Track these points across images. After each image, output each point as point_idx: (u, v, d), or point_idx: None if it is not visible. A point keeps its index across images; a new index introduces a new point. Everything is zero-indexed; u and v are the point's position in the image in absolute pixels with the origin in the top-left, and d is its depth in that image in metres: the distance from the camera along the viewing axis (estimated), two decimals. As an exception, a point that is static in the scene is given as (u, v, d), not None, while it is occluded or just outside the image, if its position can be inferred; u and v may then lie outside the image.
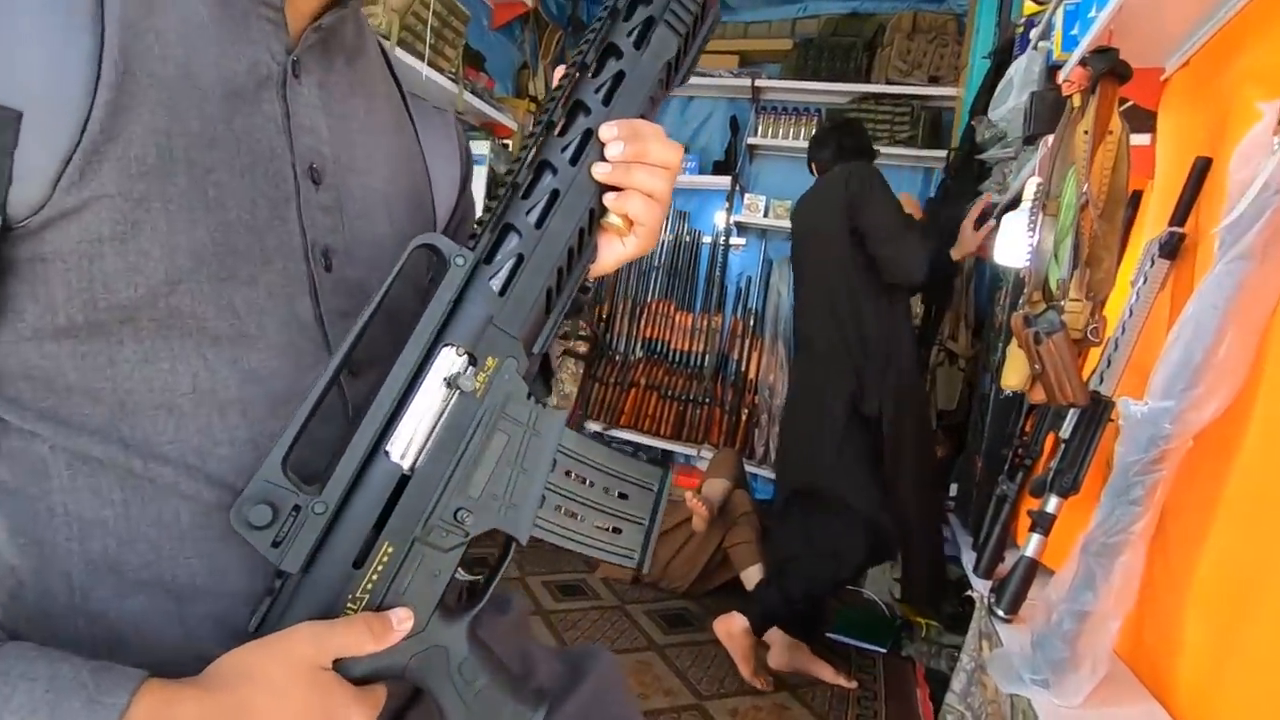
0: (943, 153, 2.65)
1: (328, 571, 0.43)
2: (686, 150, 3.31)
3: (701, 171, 3.20)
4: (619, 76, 0.47)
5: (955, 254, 1.89)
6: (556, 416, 0.48)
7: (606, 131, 0.47)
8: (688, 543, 2.38)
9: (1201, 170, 1.12)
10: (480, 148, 2.72)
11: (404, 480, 0.44)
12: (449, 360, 0.44)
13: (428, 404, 0.44)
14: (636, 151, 0.47)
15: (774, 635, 1.95)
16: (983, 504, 1.76)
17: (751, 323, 3.14)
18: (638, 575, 2.41)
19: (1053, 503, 1.24)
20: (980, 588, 1.45)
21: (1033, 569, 1.25)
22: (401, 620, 0.43)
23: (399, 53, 2.08)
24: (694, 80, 3.22)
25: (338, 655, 0.41)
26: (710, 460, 2.62)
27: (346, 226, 0.51)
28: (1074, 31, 1.26)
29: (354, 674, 0.42)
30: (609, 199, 0.48)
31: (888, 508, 1.87)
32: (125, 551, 0.42)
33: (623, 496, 0.52)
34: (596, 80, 0.47)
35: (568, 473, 0.50)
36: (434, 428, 0.44)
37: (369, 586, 0.43)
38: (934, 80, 2.80)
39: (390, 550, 0.44)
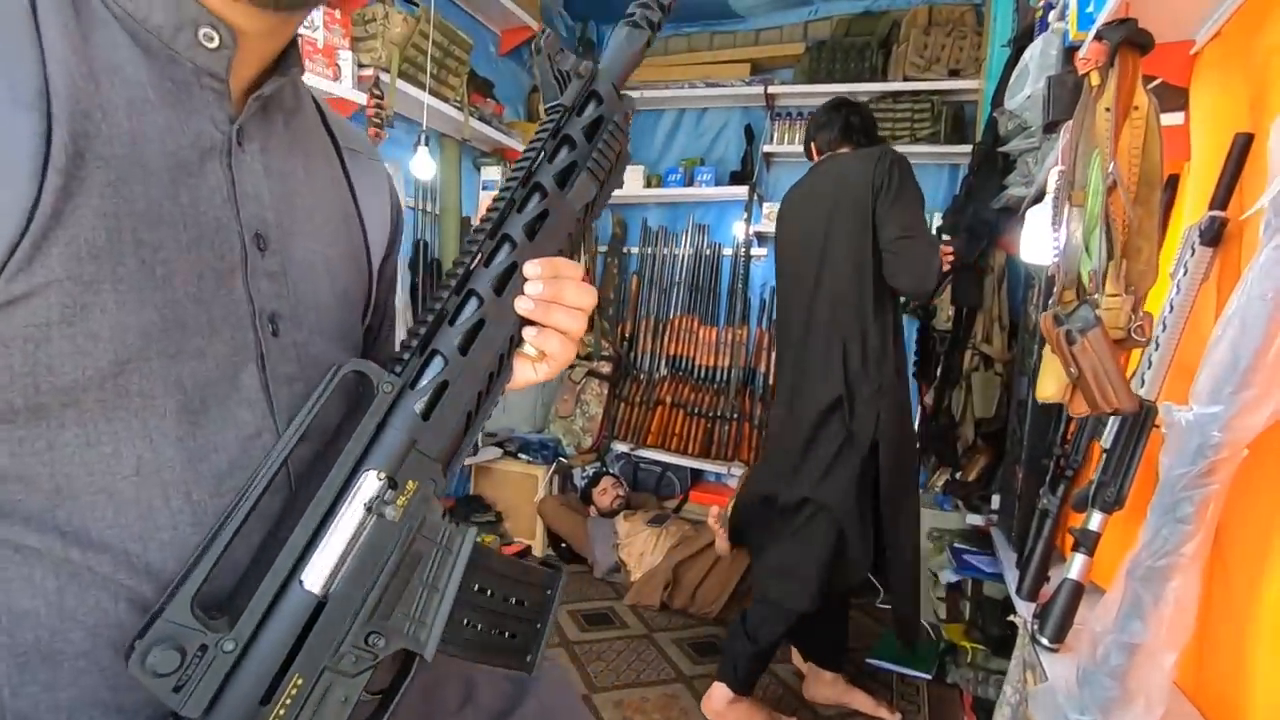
0: (967, 148, 2.54)
1: (232, 712, 0.41)
2: (702, 162, 3.26)
3: (718, 183, 3.14)
4: (543, 215, 0.50)
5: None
6: (467, 534, 0.49)
7: (530, 269, 0.49)
8: (715, 565, 2.30)
9: (1242, 148, 1.02)
10: (491, 173, 2.73)
11: (319, 607, 0.43)
12: (371, 486, 0.45)
13: (347, 530, 0.44)
14: (555, 292, 0.50)
15: (809, 667, 1.85)
16: (1025, 517, 1.65)
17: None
18: (665, 603, 2.33)
19: (1096, 519, 1.14)
20: (1024, 611, 1.34)
21: (1077, 593, 1.14)
22: None
23: (400, 84, 2.08)
24: (707, 91, 3.18)
25: None
26: (739, 478, 2.54)
27: (291, 291, 0.50)
28: (1090, 9, 1.17)
29: None
30: (528, 333, 0.51)
31: (865, 531, 1.69)
32: (58, 642, 0.40)
33: (519, 603, 0.53)
34: (523, 216, 0.50)
35: (477, 587, 0.50)
36: (349, 553, 0.44)
37: (278, 718, 0.42)
38: (954, 74, 2.70)
39: (300, 682, 0.42)
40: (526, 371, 0.54)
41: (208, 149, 0.46)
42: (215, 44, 0.45)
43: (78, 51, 0.40)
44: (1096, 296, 0.95)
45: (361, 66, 2.00)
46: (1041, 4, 1.63)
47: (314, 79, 1.88)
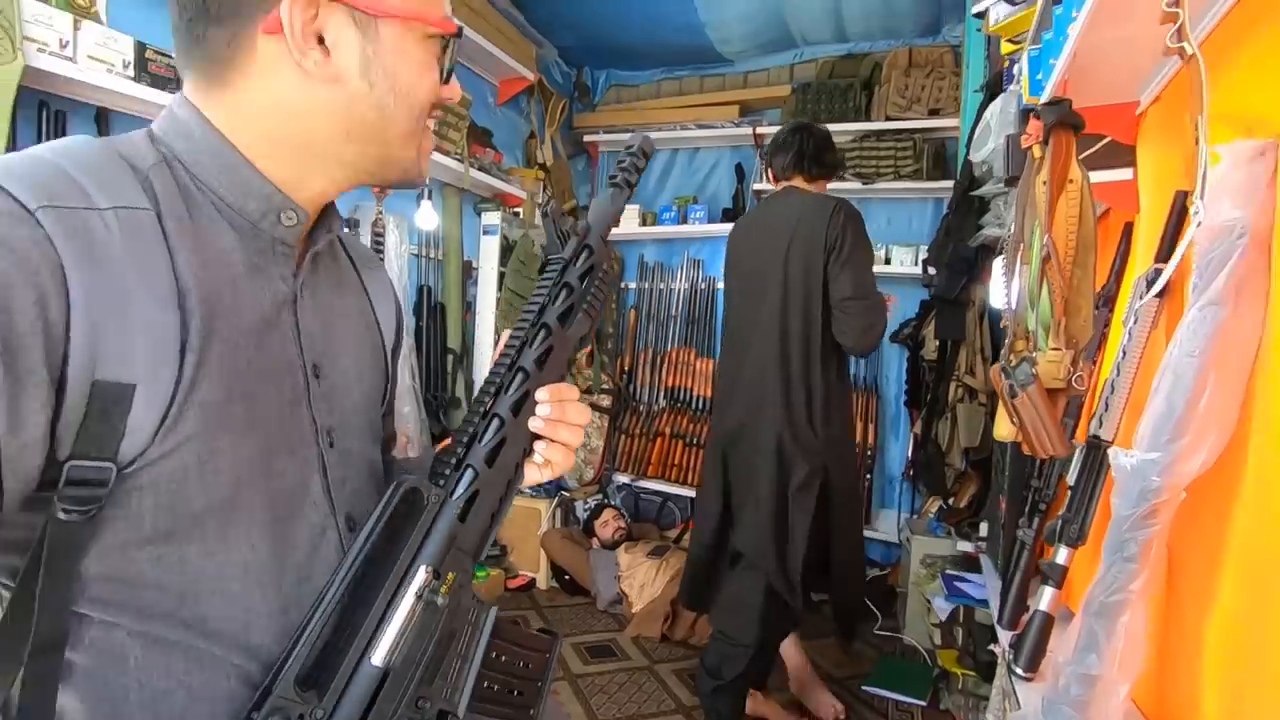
0: (949, 183, 2.64)
1: None
2: (695, 200, 3.37)
3: (711, 220, 3.24)
4: (549, 350, 0.61)
5: None
6: (490, 613, 0.60)
7: (541, 395, 0.60)
8: (715, 597, 2.35)
9: (1181, 204, 1.10)
10: (492, 218, 2.83)
11: (384, 677, 0.53)
12: (421, 578, 0.54)
13: (403, 614, 0.53)
14: (560, 413, 0.60)
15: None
16: (1008, 547, 1.70)
17: (772, 365, 3.12)
18: (665, 634, 2.38)
19: (1063, 553, 1.20)
20: (1004, 640, 1.40)
21: (1048, 624, 1.20)
22: None
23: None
24: (698, 132, 3.30)
25: None
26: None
27: (337, 406, 0.60)
28: (1039, 77, 1.26)
29: None
30: (538, 445, 0.62)
31: (792, 583, 1.72)
32: (189, 715, 0.49)
33: (525, 665, 0.63)
34: (533, 350, 0.61)
35: (494, 655, 0.61)
36: (404, 633, 0.53)
37: None
38: (934, 113, 2.80)
39: None
40: (534, 474, 0.64)
41: (281, 302, 0.56)
42: (293, 222, 0.56)
43: (194, 248, 0.49)
44: (1035, 354, 1.03)
45: (366, 127, 2.11)
46: (1007, 58, 1.73)
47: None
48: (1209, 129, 1.00)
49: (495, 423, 0.59)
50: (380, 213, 2.19)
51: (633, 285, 3.55)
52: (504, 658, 0.61)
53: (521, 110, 3.20)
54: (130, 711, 0.47)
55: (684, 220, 3.29)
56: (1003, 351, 1.15)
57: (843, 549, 1.79)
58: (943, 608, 2.07)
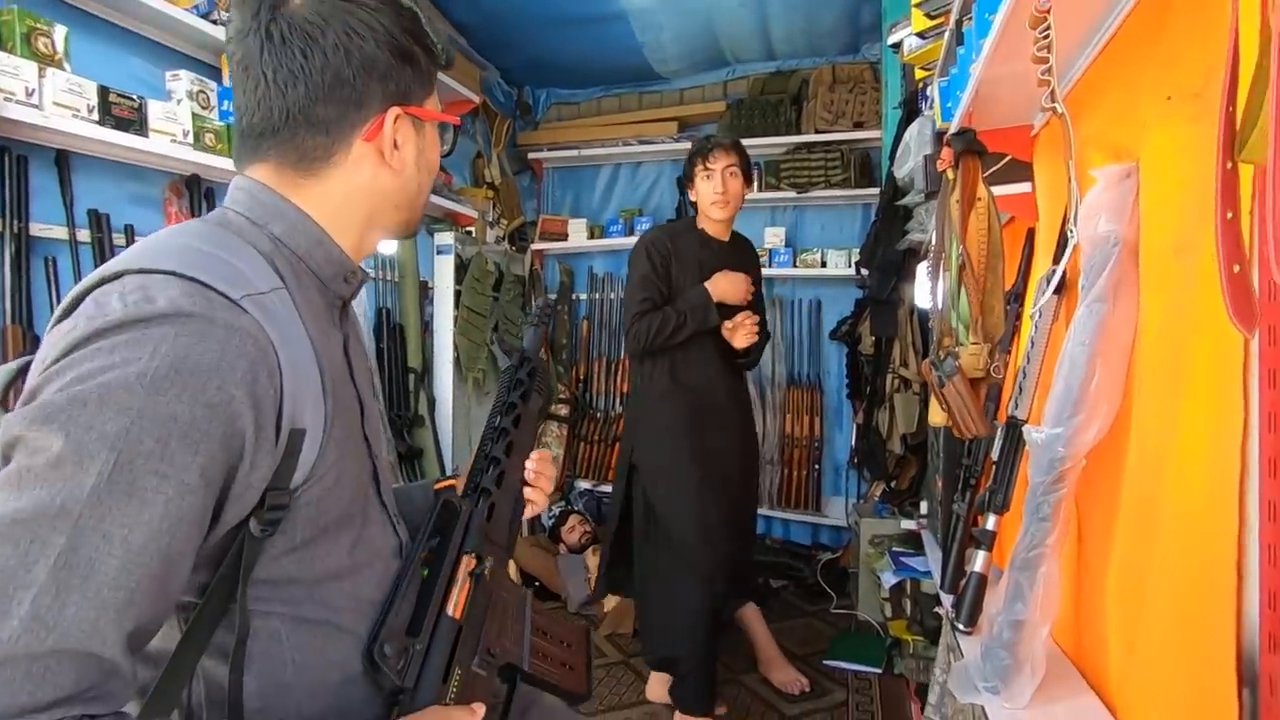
0: (875, 190, 2.86)
1: (426, 684, 0.64)
2: (641, 212, 3.50)
3: (656, 230, 3.38)
4: (519, 417, 0.84)
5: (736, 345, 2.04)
6: (523, 593, 0.77)
7: (532, 456, 0.85)
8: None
9: (1063, 226, 1.29)
10: (445, 238, 2.89)
11: (460, 629, 0.67)
12: (467, 563, 0.71)
13: (461, 582, 0.69)
14: (542, 466, 0.85)
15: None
16: (946, 521, 1.89)
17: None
18: (638, 629, 2.49)
19: (991, 520, 1.37)
20: (946, 602, 1.57)
21: (982, 583, 1.37)
22: (478, 709, 0.64)
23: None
24: (639, 148, 3.44)
25: None
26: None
27: (372, 430, 0.71)
28: (949, 105, 1.44)
29: None
30: (525, 490, 0.84)
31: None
32: (328, 674, 0.61)
33: (568, 645, 0.80)
34: (509, 420, 0.83)
35: (537, 628, 0.77)
36: (468, 599, 0.69)
37: (454, 694, 0.65)
38: (858, 125, 3.02)
39: (459, 673, 0.66)
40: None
41: (342, 346, 0.68)
42: (355, 281, 0.69)
43: (311, 316, 0.61)
44: (957, 349, 1.20)
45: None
46: (920, 81, 1.93)
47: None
48: (1086, 154, 1.19)
49: (496, 464, 0.79)
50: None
51: (584, 297, 3.66)
52: (548, 634, 0.75)
53: (468, 131, 3.27)
54: (289, 681, 0.59)
55: (630, 232, 3.42)
56: (931, 348, 1.32)
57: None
58: (890, 581, 2.25)
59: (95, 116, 1.47)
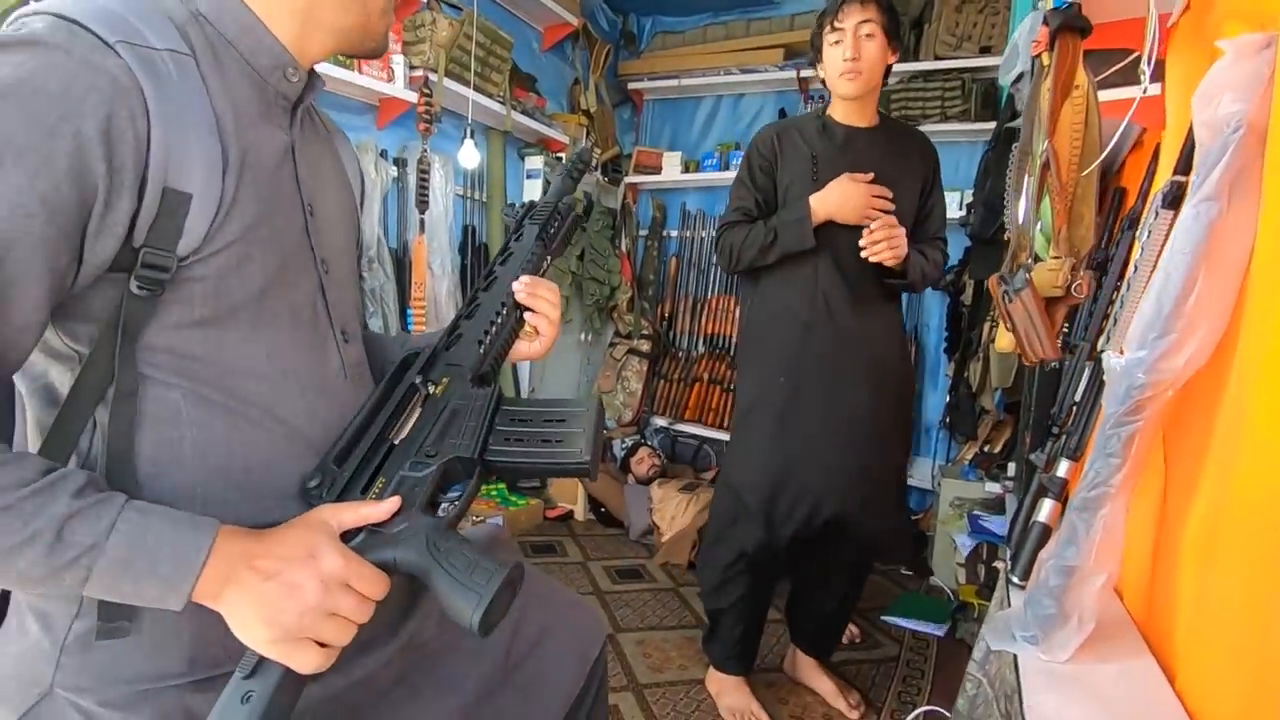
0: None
1: (347, 496, 0.64)
2: (738, 147, 3.36)
3: (753, 166, 3.24)
4: (509, 255, 0.83)
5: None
6: (494, 388, 0.72)
7: (517, 280, 0.79)
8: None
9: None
10: (535, 162, 2.91)
11: (392, 447, 0.67)
12: (411, 381, 0.71)
13: (394, 404, 0.69)
14: (533, 285, 0.79)
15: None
16: (1027, 475, 1.72)
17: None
18: (693, 561, 2.48)
19: (1063, 466, 1.23)
20: (1008, 557, 1.44)
21: (1044, 534, 1.23)
22: (388, 503, 0.61)
23: (447, 83, 2.28)
24: (740, 77, 3.28)
25: (342, 523, 0.60)
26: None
27: (328, 242, 0.71)
28: (1064, -12, 1.24)
29: (367, 559, 0.59)
30: (526, 315, 0.80)
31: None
32: (231, 460, 0.61)
33: (560, 422, 0.71)
34: (500, 258, 0.83)
35: (511, 419, 0.70)
36: (413, 420, 0.69)
37: (372, 497, 0.64)
38: (985, 51, 2.71)
39: (382, 480, 0.65)
40: (527, 348, 0.82)
41: (284, 151, 0.66)
42: (295, 79, 0.66)
43: (224, 92, 0.60)
44: (1029, 261, 1.04)
45: (412, 68, 2.21)
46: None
47: (370, 80, 2.10)
48: (1224, 28, 0.98)
49: (470, 298, 0.79)
50: (425, 151, 2.30)
51: (674, 233, 3.59)
52: (527, 420, 0.71)
53: (566, 57, 3.24)
54: (184, 453, 0.60)
55: (726, 167, 3.29)
56: (1004, 263, 1.17)
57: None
58: (965, 544, 2.10)
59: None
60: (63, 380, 0.58)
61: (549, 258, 0.86)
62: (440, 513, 0.64)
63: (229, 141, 0.59)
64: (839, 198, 1.54)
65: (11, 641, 0.60)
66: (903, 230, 1.54)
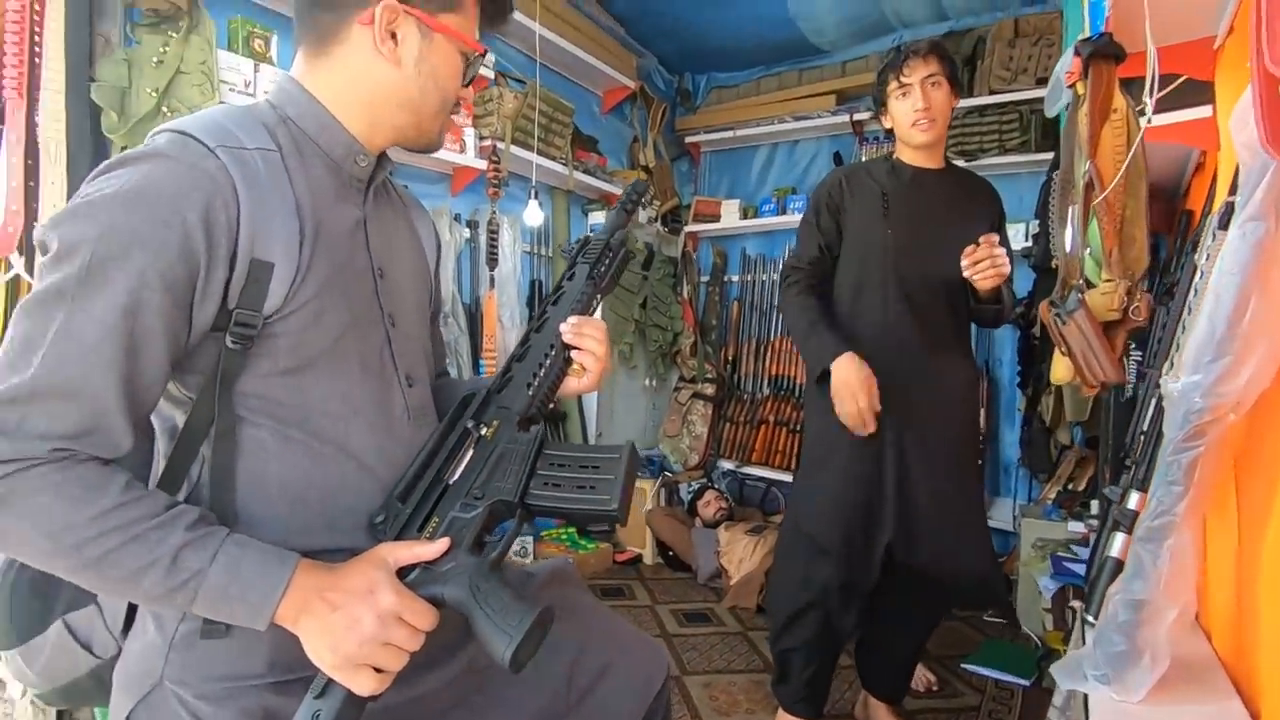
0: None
1: (405, 537, 0.72)
2: (795, 191, 3.42)
3: (810, 209, 3.28)
4: (561, 294, 0.88)
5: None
6: (535, 430, 0.79)
7: (565, 320, 0.84)
8: (810, 571, 2.38)
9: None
10: (597, 217, 3.06)
11: (445, 486, 0.75)
12: (473, 432, 0.78)
13: (467, 455, 0.77)
14: (579, 325, 0.84)
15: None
16: (1104, 510, 1.63)
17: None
18: (761, 605, 2.45)
19: (1133, 498, 1.19)
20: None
21: (1117, 569, 1.18)
22: (440, 543, 0.69)
23: (513, 149, 2.46)
24: (794, 124, 3.36)
25: (399, 560, 0.68)
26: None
27: (397, 300, 0.81)
28: (1097, 17, 1.26)
29: (419, 593, 0.66)
30: (573, 354, 0.84)
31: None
32: (308, 491, 0.71)
33: (595, 468, 0.76)
34: (551, 299, 0.88)
35: (551, 463, 0.76)
36: (465, 462, 0.76)
37: (426, 537, 0.72)
38: (1041, 82, 2.68)
39: (435, 520, 0.72)
40: (572, 383, 0.86)
41: (356, 222, 0.77)
42: (365, 163, 0.78)
43: (304, 180, 0.72)
44: (1079, 282, 1.04)
45: (481, 138, 2.40)
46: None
47: (443, 152, 2.29)
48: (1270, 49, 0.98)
49: (523, 339, 0.85)
50: (494, 213, 2.47)
51: (735, 278, 3.65)
52: (565, 465, 0.76)
53: (625, 117, 3.42)
54: (270, 483, 0.70)
55: (783, 211, 3.35)
56: (1054, 290, 1.16)
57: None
58: (1049, 587, 1.99)
59: (294, 103, 1.80)
60: (179, 421, 0.70)
61: (599, 296, 0.90)
62: (485, 552, 0.71)
63: (306, 218, 0.70)
64: (844, 373, 1.54)
65: (136, 639, 0.72)
66: (1004, 250, 1.49)
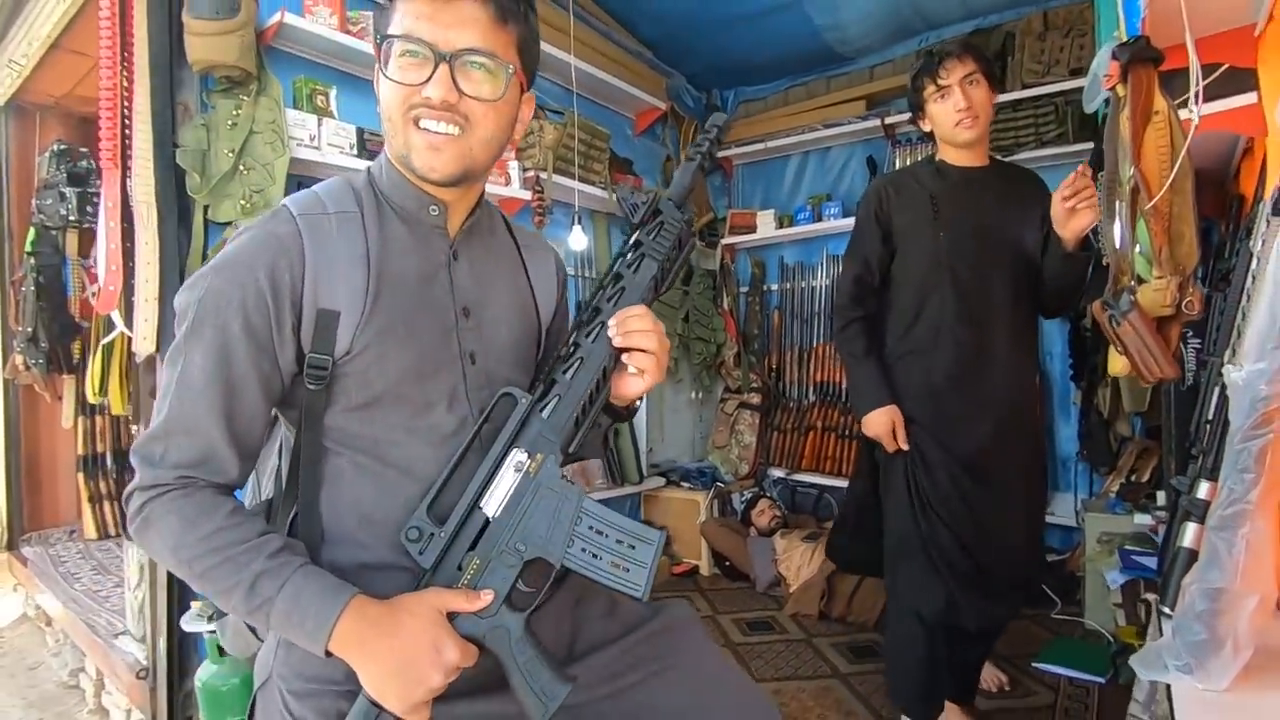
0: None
1: (445, 568, 0.75)
2: (829, 198, 3.44)
3: (846, 215, 3.29)
4: (621, 290, 0.82)
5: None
6: (576, 490, 0.78)
7: (609, 320, 0.80)
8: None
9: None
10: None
11: (488, 522, 0.76)
12: (517, 456, 0.77)
13: (506, 480, 0.77)
14: (624, 324, 0.80)
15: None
16: (1172, 501, 1.61)
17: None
18: (823, 611, 2.46)
19: (1203, 488, 1.19)
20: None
21: (1190, 559, 1.19)
22: (484, 596, 0.74)
23: (555, 178, 2.55)
24: (825, 132, 3.39)
25: (448, 609, 0.73)
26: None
27: (482, 339, 0.85)
28: (1133, 15, 1.28)
29: (459, 632, 0.72)
30: (626, 357, 0.81)
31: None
32: (375, 511, 0.78)
33: (631, 546, 0.78)
34: (607, 293, 0.82)
35: (590, 528, 0.78)
36: (508, 494, 0.76)
37: (467, 579, 0.75)
38: (1075, 73, 2.67)
39: (476, 562, 0.75)
40: (635, 385, 0.84)
41: (439, 265, 0.84)
42: (437, 213, 0.84)
43: (380, 235, 0.80)
44: (1132, 283, 1.06)
45: (525, 170, 2.50)
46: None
47: (490, 186, 2.39)
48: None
49: (572, 347, 0.80)
50: (540, 240, 2.56)
51: (774, 287, 3.68)
52: (603, 533, 0.77)
53: (658, 137, 3.49)
54: (345, 505, 0.79)
55: (819, 218, 3.38)
56: (1105, 289, 1.18)
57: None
58: (1116, 580, 1.96)
59: (355, 151, 1.91)
60: (288, 451, 0.81)
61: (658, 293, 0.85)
62: (522, 604, 0.75)
63: (373, 268, 0.78)
64: (874, 427, 1.64)
65: (269, 636, 0.83)
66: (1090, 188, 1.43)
